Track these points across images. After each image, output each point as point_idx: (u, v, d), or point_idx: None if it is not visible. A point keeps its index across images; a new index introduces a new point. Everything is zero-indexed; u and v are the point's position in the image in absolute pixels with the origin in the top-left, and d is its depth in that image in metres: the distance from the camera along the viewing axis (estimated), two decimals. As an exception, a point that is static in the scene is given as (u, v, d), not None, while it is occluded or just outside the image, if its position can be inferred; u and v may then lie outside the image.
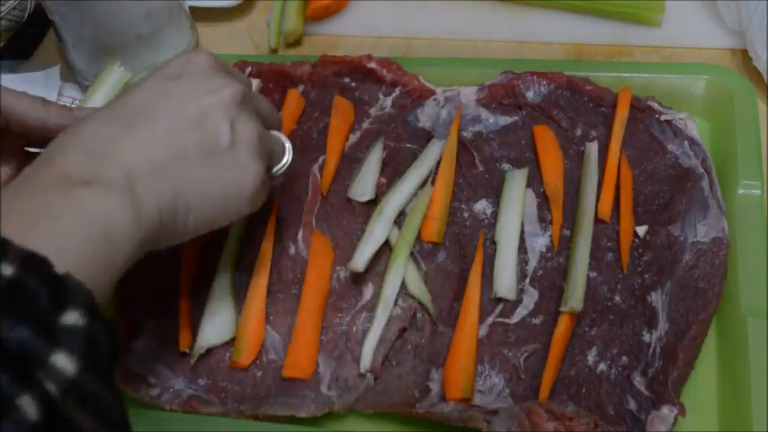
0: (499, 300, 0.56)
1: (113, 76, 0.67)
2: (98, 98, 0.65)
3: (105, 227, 0.40)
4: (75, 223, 0.40)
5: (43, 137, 0.50)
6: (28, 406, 0.30)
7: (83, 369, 0.33)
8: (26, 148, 0.52)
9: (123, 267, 0.42)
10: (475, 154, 0.63)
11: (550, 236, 0.58)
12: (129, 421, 0.36)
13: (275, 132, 0.54)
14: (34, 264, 0.35)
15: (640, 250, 0.57)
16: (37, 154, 0.48)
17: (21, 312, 0.32)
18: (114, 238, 0.41)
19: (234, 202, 0.48)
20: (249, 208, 0.49)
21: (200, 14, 0.80)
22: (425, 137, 0.64)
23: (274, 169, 0.53)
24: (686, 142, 0.61)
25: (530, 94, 0.64)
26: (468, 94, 0.66)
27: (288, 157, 0.54)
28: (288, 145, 0.54)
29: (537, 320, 0.55)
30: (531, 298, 0.56)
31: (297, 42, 0.78)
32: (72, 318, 0.34)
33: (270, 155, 0.52)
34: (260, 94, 0.51)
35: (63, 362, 0.32)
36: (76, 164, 0.42)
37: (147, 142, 0.45)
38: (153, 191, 0.44)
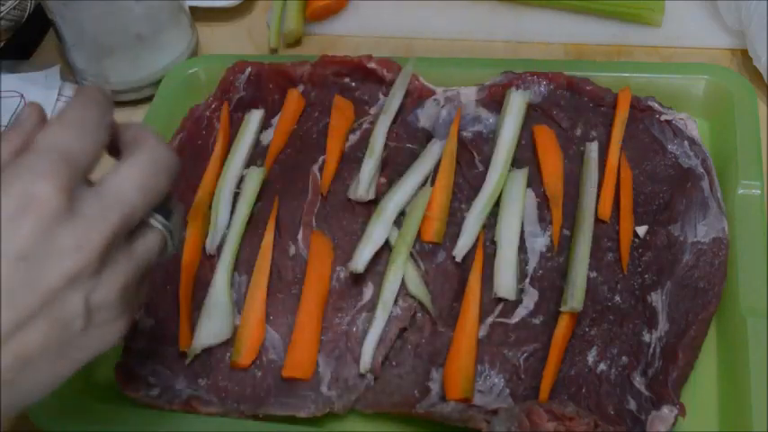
0: (499, 300, 0.56)
1: None
2: None
3: None
4: None
5: None
6: None
7: None
8: None
9: None
10: (475, 154, 0.63)
11: (550, 236, 0.58)
12: None
13: (155, 221, 0.40)
14: None
15: (640, 250, 0.57)
16: None
17: None
18: None
19: (84, 363, 0.38)
20: None
21: (200, 14, 0.80)
22: (425, 137, 0.64)
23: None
24: (686, 142, 0.61)
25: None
26: (468, 94, 0.66)
27: (170, 248, 0.41)
28: (167, 233, 0.40)
29: (537, 320, 0.55)
30: (531, 298, 0.56)
31: (297, 42, 0.79)
32: None
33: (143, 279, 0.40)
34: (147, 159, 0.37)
35: None
36: None
37: None
38: None
